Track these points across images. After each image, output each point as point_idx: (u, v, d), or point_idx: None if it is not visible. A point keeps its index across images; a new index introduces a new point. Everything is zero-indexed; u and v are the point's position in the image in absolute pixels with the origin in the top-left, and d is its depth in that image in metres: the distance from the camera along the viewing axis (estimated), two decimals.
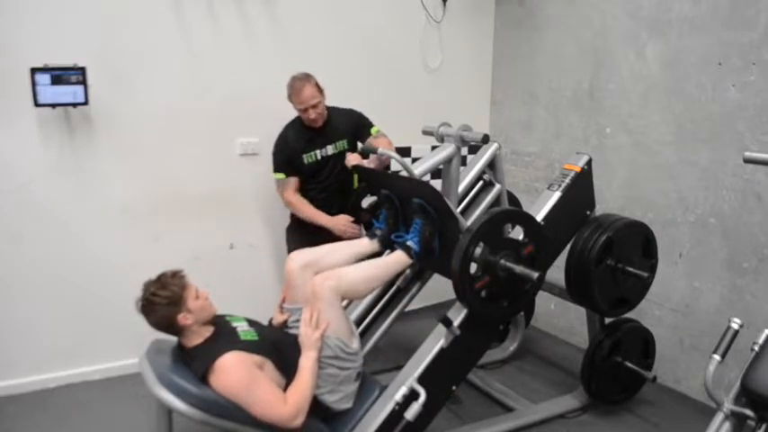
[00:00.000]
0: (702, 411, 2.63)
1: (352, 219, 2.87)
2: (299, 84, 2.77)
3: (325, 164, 2.94)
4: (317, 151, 2.92)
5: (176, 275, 2.01)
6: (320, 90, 2.83)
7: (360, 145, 2.96)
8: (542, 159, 3.67)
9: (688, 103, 2.84)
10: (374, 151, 2.65)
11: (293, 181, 2.94)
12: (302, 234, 2.98)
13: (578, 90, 3.39)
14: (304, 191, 2.99)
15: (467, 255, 2.10)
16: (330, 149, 2.93)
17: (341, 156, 2.94)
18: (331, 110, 2.93)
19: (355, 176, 3.09)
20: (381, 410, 2.10)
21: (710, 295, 2.82)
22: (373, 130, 2.97)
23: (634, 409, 2.84)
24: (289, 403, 1.90)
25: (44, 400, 2.82)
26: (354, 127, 2.97)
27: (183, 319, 1.95)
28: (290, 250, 3.02)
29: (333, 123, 2.93)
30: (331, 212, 2.93)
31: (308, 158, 2.91)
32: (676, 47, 2.87)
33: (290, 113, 2.92)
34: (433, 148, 2.76)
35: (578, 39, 3.36)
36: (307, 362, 2.02)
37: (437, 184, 2.72)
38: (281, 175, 2.93)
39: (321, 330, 2.06)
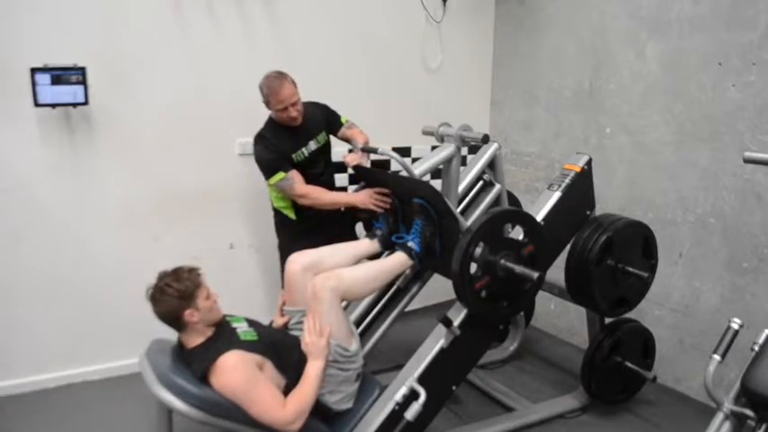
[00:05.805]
0: (702, 411, 2.63)
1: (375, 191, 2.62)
2: (277, 82, 2.59)
3: (313, 160, 2.83)
4: (303, 149, 2.78)
5: (193, 271, 2.00)
6: (295, 86, 2.64)
7: (332, 138, 2.91)
8: (542, 159, 3.67)
9: (688, 103, 2.84)
10: (374, 151, 2.65)
11: (297, 174, 2.67)
12: (300, 236, 2.80)
13: (578, 90, 3.39)
14: None
15: (467, 255, 2.10)
16: (313, 145, 2.82)
17: (324, 149, 2.88)
18: (304, 104, 2.73)
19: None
20: (381, 410, 2.10)
21: (710, 295, 2.82)
22: (343, 119, 2.91)
23: (634, 409, 2.84)
24: (287, 408, 1.89)
25: (44, 400, 2.82)
26: (326, 120, 2.87)
27: (190, 315, 1.94)
28: (283, 257, 2.75)
29: (309, 118, 2.76)
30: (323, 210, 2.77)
31: (296, 157, 2.77)
32: (676, 47, 2.87)
33: None
34: (433, 148, 2.76)
35: (578, 39, 3.36)
36: (313, 371, 2.00)
37: (437, 184, 2.72)
38: (281, 174, 2.64)
39: (326, 337, 2.05)
